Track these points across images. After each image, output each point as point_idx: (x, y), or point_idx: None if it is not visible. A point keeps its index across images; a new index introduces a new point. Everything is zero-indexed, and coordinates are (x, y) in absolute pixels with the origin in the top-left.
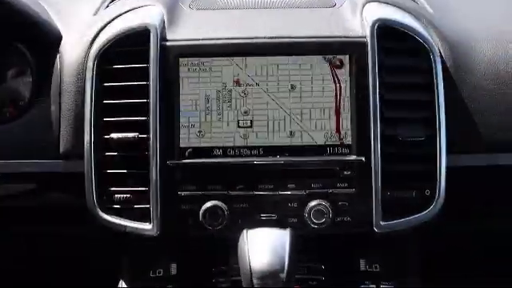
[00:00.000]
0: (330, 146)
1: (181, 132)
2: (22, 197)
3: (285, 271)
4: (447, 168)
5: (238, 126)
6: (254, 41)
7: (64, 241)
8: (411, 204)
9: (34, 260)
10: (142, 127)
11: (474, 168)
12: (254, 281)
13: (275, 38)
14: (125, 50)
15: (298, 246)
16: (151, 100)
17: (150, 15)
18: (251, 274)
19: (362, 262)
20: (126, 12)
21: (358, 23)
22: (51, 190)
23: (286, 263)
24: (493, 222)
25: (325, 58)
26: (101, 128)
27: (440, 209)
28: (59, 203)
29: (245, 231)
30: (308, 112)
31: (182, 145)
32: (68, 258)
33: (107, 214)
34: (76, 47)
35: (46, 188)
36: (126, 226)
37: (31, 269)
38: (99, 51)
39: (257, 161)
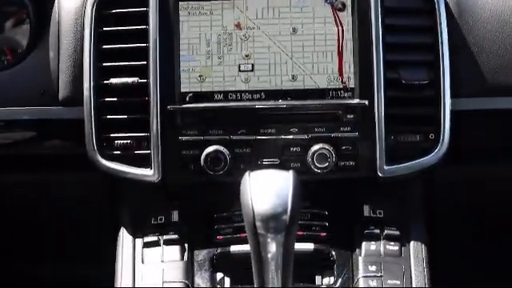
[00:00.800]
0: (332, 89)
1: (181, 76)
2: (22, 144)
3: (288, 214)
4: (451, 112)
5: (239, 70)
6: None
7: (64, 189)
8: (415, 148)
9: (33, 209)
10: (142, 72)
11: (479, 112)
12: (257, 223)
13: None
14: None
15: (301, 189)
16: (151, 44)
17: None
18: (254, 216)
19: (366, 208)
20: None
21: None
22: (51, 138)
23: (290, 205)
24: (498, 167)
25: (327, 1)
26: (100, 73)
27: (444, 153)
28: (59, 150)
29: (247, 173)
30: (310, 55)
31: (182, 89)
32: (68, 206)
33: (107, 160)
34: None
35: (45, 135)
36: (126, 172)
37: (30, 218)
38: None
39: (258, 105)
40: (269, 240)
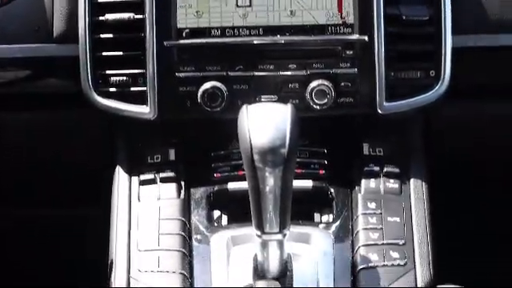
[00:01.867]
0: (331, 25)
1: (178, 12)
2: (17, 83)
3: (286, 147)
4: (452, 48)
5: (237, 6)
6: None
7: (61, 129)
8: (415, 85)
9: (30, 149)
10: (138, 8)
11: (479, 48)
12: (255, 157)
13: None
14: None
15: (299, 123)
16: None
17: None
18: (251, 150)
19: (366, 146)
20: None
21: None
22: (46, 76)
23: (288, 138)
24: (497, 104)
25: None
26: (95, 10)
27: (444, 90)
28: (54, 89)
29: (244, 107)
30: None
31: (179, 25)
32: (65, 146)
33: (103, 97)
34: None
35: (40, 73)
36: (122, 110)
37: (26, 159)
38: None
39: (256, 40)
40: (267, 174)
